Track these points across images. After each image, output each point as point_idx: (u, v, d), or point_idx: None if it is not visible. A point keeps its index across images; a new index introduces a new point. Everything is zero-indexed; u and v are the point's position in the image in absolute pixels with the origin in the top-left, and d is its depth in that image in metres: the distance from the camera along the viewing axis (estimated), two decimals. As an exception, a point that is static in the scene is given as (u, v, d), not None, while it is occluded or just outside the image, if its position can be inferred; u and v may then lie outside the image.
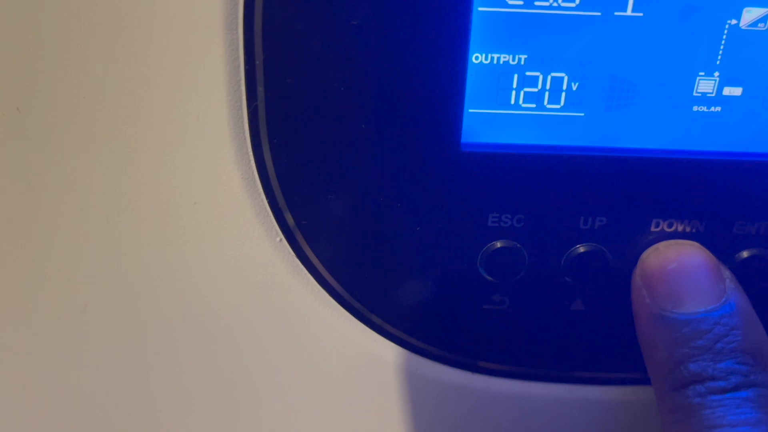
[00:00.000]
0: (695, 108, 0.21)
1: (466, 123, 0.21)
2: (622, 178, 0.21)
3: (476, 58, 0.20)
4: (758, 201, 0.22)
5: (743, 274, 0.22)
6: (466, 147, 0.21)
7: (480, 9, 0.19)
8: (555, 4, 0.19)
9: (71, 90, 0.20)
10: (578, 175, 0.21)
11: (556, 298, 0.23)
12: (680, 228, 0.22)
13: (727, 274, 0.21)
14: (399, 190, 0.21)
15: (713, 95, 0.21)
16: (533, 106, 0.21)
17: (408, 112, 0.20)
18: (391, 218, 0.22)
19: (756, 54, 0.20)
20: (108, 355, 0.25)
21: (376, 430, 0.26)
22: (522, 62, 0.20)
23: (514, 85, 0.21)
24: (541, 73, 0.21)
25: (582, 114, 0.21)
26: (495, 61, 0.20)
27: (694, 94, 0.21)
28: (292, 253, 0.23)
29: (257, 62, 0.20)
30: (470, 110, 0.21)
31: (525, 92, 0.21)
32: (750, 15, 0.20)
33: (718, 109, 0.21)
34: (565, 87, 0.21)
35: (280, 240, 0.22)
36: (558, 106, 0.21)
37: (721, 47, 0.20)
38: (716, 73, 0.20)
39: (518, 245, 0.22)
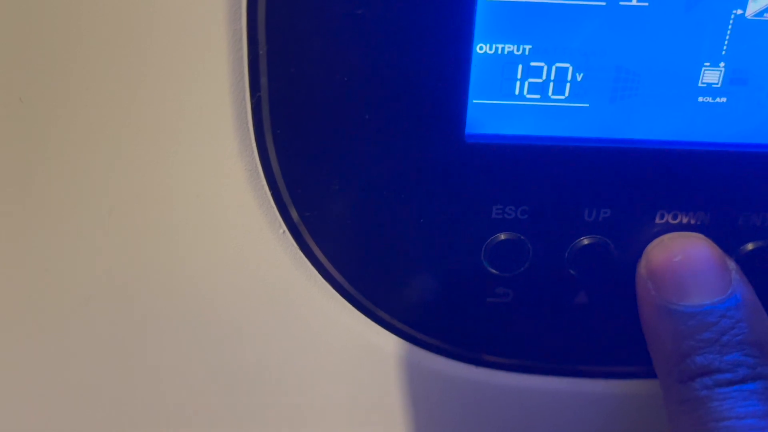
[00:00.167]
0: (700, 99, 0.21)
1: (471, 114, 0.21)
2: (627, 169, 0.21)
3: (480, 48, 0.20)
4: (764, 192, 0.22)
5: (748, 266, 0.22)
6: (471, 138, 0.21)
7: (484, -2, 0.19)
8: (560, -6, 0.19)
9: (74, 81, 0.20)
10: (582, 167, 0.21)
11: (560, 291, 0.23)
12: (685, 220, 0.22)
13: (732, 266, 0.21)
14: (403, 181, 0.21)
15: (718, 86, 0.21)
16: (538, 96, 0.21)
17: (412, 103, 0.20)
18: (394, 210, 0.22)
19: (762, 44, 0.20)
20: (109, 348, 0.25)
21: (379, 423, 0.26)
22: (526, 52, 0.20)
23: (519, 76, 0.21)
24: (546, 64, 0.20)
25: (587, 105, 0.21)
26: (499, 52, 0.20)
27: (700, 84, 0.21)
28: (295, 245, 0.22)
29: (261, 53, 0.20)
30: (474, 101, 0.21)
31: (529, 83, 0.21)
32: (756, 5, 0.20)
33: (724, 99, 0.21)
34: (569, 77, 0.21)
35: (284, 232, 0.22)
36: (562, 97, 0.21)
37: (727, 37, 0.20)
38: (722, 64, 0.20)
39: (522, 237, 0.22)
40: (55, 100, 0.21)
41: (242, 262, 0.23)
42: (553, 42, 0.20)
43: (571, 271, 0.23)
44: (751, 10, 0.20)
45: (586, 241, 0.22)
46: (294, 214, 0.22)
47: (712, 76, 0.21)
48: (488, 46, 0.20)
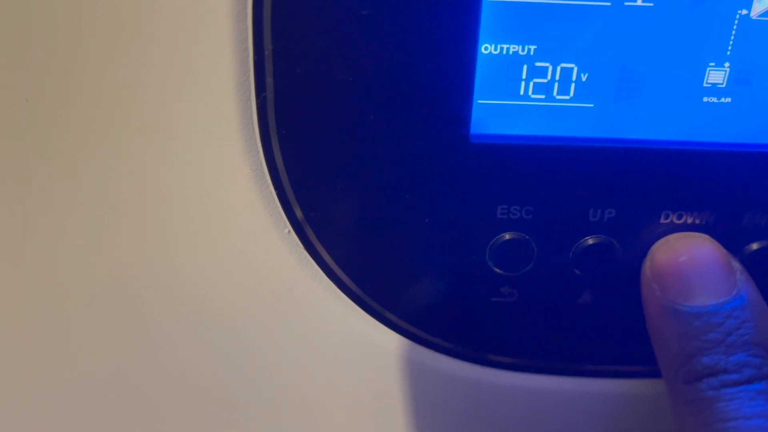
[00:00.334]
0: (705, 99, 0.21)
1: (476, 114, 0.21)
2: (632, 169, 0.21)
3: (485, 48, 0.20)
4: (769, 193, 0.22)
5: (753, 266, 0.22)
6: (475, 138, 0.21)
7: (489, -1, 0.19)
8: (565, -6, 0.19)
9: (79, 80, 0.20)
10: (587, 167, 0.21)
11: (565, 291, 0.23)
12: (690, 220, 0.22)
13: (737, 266, 0.21)
14: (407, 181, 0.21)
15: (723, 86, 0.21)
16: (542, 97, 0.21)
17: (417, 104, 0.20)
18: (399, 210, 0.22)
19: (766, 44, 0.20)
20: (113, 346, 0.25)
21: (383, 422, 0.26)
22: (531, 53, 0.20)
23: (524, 76, 0.21)
24: (551, 64, 0.20)
25: (591, 105, 0.21)
26: (504, 52, 0.20)
27: (704, 84, 0.21)
28: (300, 244, 0.22)
29: (266, 53, 0.20)
30: (479, 101, 0.21)
31: (534, 83, 0.21)
32: (761, 5, 0.20)
33: (729, 99, 0.21)
34: (574, 78, 0.21)
35: (289, 231, 0.22)
36: (567, 97, 0.21)
37: (732, 37, 0.20)
38: (726, 64, 0.20)
39: (527, 237, 0.22)
40: (59, 99, 0.21)
41: (247, 262, 0.23)
42: (557, 42, 0.20)
43: (576, 271, 0.23)
44: (756, 10, 0.20)
45: (590, 241, 0.22)
46: (299, 214, 0.22)
47: (717, 76, 0.21)
48: (493, 46, 0.20)
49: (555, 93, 0.21)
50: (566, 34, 0.20)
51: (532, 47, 0.20)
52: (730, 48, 0.20)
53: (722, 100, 0.21)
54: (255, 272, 0.23)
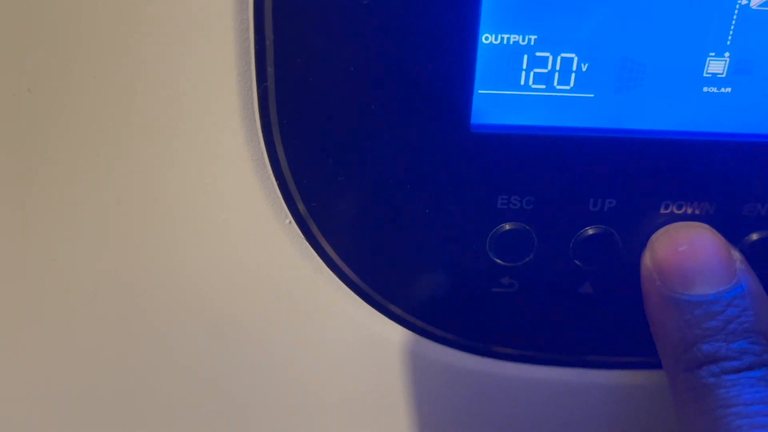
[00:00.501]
0: (705, 89, 0.21)
1: (476, 104, 0.21)
2: (632, 159, 0.21)
3: (486, 38, 0.20)
4: (768, 183, 0.22)
5: (753, 255, 0.22)
6: (476, 128, 0.21)
7: (490, -12, 0.19)
8: (565, -16, 0.19)
9: (81, 70, 0.20)
10: (588, 157, 0.21)
11: (565, 281, 0.23)
12: (690, 210, 0.22)
13: (737, 256, 0.21)
14: (408, 171, 0.21)
15: (723, 76, 0.21)
16: (543, 87, 0.21)
17: (418, 94, 0.20)
18: (399, 200, 0.22)
19: (766, 34, 0.20)
20: (116, 339, 0.25)
21: (384, 414, 0.26)
22: (532, 42, 0.20)
23: (524, 66, 0.21)
24: (551, 54, 0.20)
25: (592, 95, 0.21)
26: (505, 42, 0.20)
27: (704, 74, 0.21)
28: (301, 235, 0.22)
29: (267, 42, 0.20)
30: (480, 91, 0.21)
31: (535, 73, 0.21)
32: (760, -6, 0.20)
33: (729, 89, 0.21)
34: (575, 68, 0.21)
35: (290, 222, 0.22)
36: (568, 87, 0.21)
37: (732, 27, 0.20)
38: (726, 54, 0.20)
39: (527, 227, 0.22)
40: (61, 90, 0.21)
41: (248, 253, 0.23)
42: (558, 32, 0.20)
43: (576, 261, 0.23)
44: (756, 0, 0.20)
45: (591, 231, 0.22)
46: (300, 204, 0.22)
47: (717, 66, 0.21)
48: (494, 36, 0.20)
49: (555, 83, 0.21)
50: (567, 24, 0.20)
51: (533, 37, 0.20)
52: (730, 38, 0.20)
53: (722, 90, 0.21)
54: (256, 263, 0.23)
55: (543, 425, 0.26)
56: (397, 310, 0.24)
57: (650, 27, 0.20)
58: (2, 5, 0.20)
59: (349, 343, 0.25)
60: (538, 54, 0.21)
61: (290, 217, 0.22)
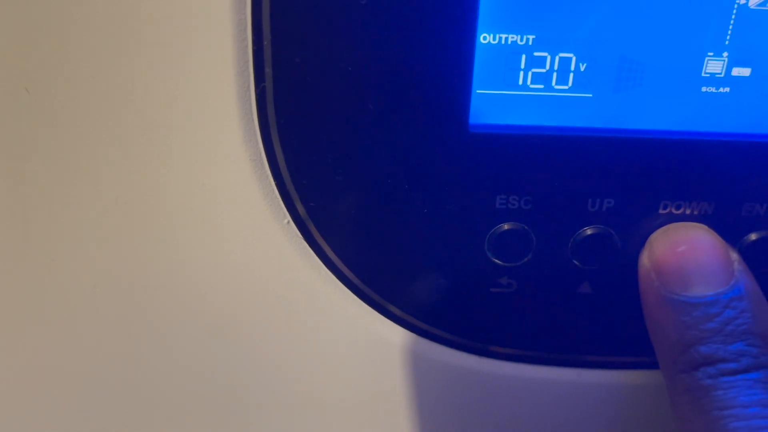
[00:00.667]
0: (704, 89, 0.21)
1: (474, 104, 0.21)
2: (631, 159, 0.21)
3: (484, 38, 0.20)
4: (767, 183, 0.22)
5: (752, 256, 0.22)
6: (474, 128, 0.21)
7: (488, -12, 0.19)
8: (563, -16, 0.19)
9: (79, 71, 0.20)
10: (586, 157, 0.21)
11: (564, 281, 0.23)
12: (688, 210, 0.22)
13: (735, 256, 0.21)
14: (406, 171, 0.21)
15: (722, 76, 0.21)
16: (541, 86, 0.21)
17: (416, 93, 0.20)
18: (398, 200, 0.22)
19: (765, 34, 0.20)
20: (114, 338, 0.25)
21: (383, 414, 0.26)
22: (530, 42, 0.20)
23: (522, 66, 0.21)
24: (549, 54, 0.20)
25: (590, 95, 0.21)
26: (503, 42, 0.20)
27: (703, 74, 0.21)
28: (300, 235, 0.23)
29: (265, 43, 0.20)
30: (478, 91, 0.21)
31: (533, 73, 0.21)
32: (759, -6, 0.20)
33: (727, 89, 0.21)
34: (573, 67, 0.21)
35: (288, 222, 0.22)
36: (566, 87, 0.21)
37: (730, 27, 0.20)
38: (725, 54, 0.20)
39: (526, 227, 0.22)
40: (59, 90, 0.21)
41: (246, 253, 0.23)
42: (556, 32, 0.20)
43: (575, 262, 0.23)
44: (754, 0, 0.20)
45: (589, 231, 0.22)
46: (298, 205, 0.22)
47: (715, 66, 0.21)
48: (492, 36, 0.20)
49: (554, 83, 0.21)
50: (565, 23, 0.20)
51: (531, 37, 0.20)
52: (728, 38, 0.20)
53: (721, 90, 0.21)
54: (255, 263, 0.23)
55: (542, 425, 0.26)
56: (396, 310, 0.24)
57: (648, 27, 0.20)
58: (6, 6, 0.20)
59: (348, 343, 0.25)
60: (536, 54, 0.20)
61: (288, 218, 0.22)
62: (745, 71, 0.21)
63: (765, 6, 0.20)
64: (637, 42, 0.20)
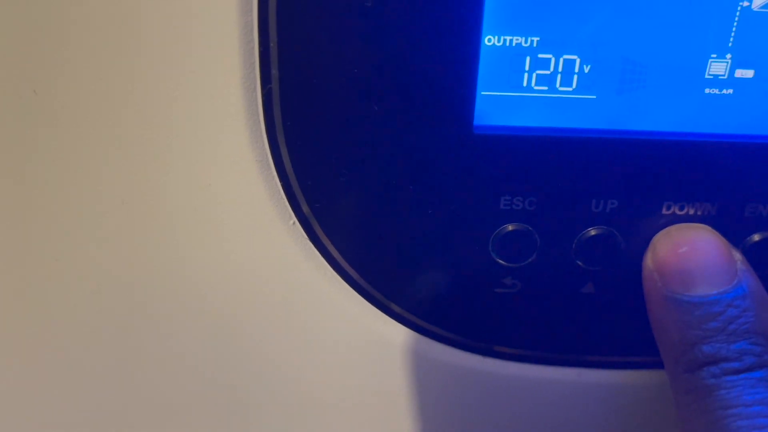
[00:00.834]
0: (707, 90, 0.21)
1: (479, 105, 0.21)
2: (634, 160, 0.21)
3: (489, 40, 0.20)
4: (770, 184, 0.22)
5: (755, 257, 0.22)
6: (479, 129, 0.21)
7: (493, -9, 0.20)
8: (567, -14, 0.20)
9: (86, 72, 0.21)
10: (590, 158, 0.21)
11: (568, 282, 0.23)
12: (692, 211, 0.22)
13: (738, 256, 0.21)
14: (411, 172, 0.22)
15: (725, 77, 0.21)
16: (545, 88, 0.21)
17: (421, 95, 0.20)
18: (403, 201, 0.22)
19: (768, 36, 0.20)
20: (117, 337, 0.25)
21: (387, 414, 0.26)
22: (534, 44, 0.20)
23: (527, 68, 0.21)
24: (553, 56, 0.21)
25: (594, 96, 0.21)
26: (507, 44, 0.20)
27: (706, 76, 0.21)
28: (305, 236, 0.23)
29: (271, 44, 0.20)
30: (483, 93, 0.21)
31: (537, 74, 0.21)
32: (762, -3, 0.20)
33: (730, 91, 0.21)
34: (577, 69, 0.21)
35: (293, 223, 0.23)
36: (570, 89, 0.21)
37: (733, 29, 0.20)
38: (728, 56, 0.21)
39: (530, 228, 0.22)
40: (66, 92, 0.21)
41: (252, 254, 0.23)
42: (560, 34, 0.20)
43: (578, 262, 0.23)
44: (758, 2, 0.20)
45: (593, 232, 0.22)
46: (304, 205, 0.22)
47: (718, 67, 0.21)
48: (496, 38, 0.20)
49: (558, 85, 0.21)
50: (569, 25, 0.20)
51: (535, 39, 0.20)
52: (731, 39, 0.20)
53: (724, 91, 0.21)
54: (260, 264, 0.23)
55: (546, 425, 0.26)
56: (401, 311, 0.24)
57: (652, 29, 0.20)
58: (10, 7, 0.20)
59: (353, 342, 0.25)
60: (540, 56, 0.21)
61: (294, 218, 0.22)
62: (749, 73, 0.21)
63: (768, 8, 0.20)
64: (641, 44, 0.20)
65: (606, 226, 0.22)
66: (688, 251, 0.21)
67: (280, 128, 0.21)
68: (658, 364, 0.22)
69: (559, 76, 0.21)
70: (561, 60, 0.21)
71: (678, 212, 0.22)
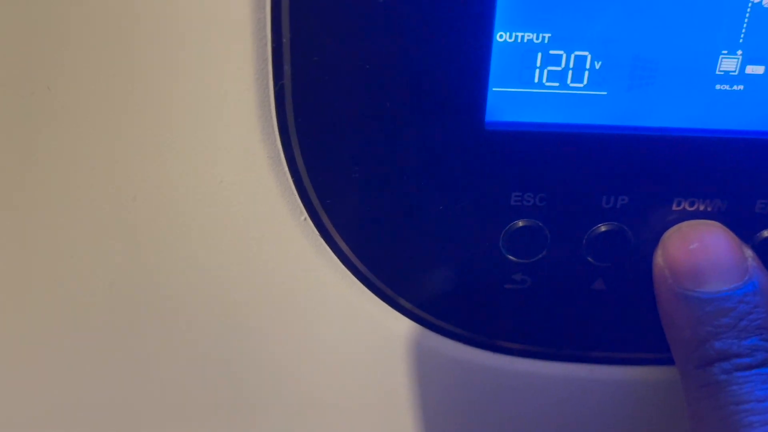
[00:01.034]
0: (718, 86, 0.21)
1: (491, 102, 0.21)
2: (645, 157, 0.22)
3: (500, 36, 0.20)
4: (781, 180, 0.22)
5: (765, 253, 0.22)
6: (490, 125, 0.21)
7: (505, -13, 0.20)
8: (579, -18, 0.20)
9: (100, 68, 0.21)
10: (601, 154, 0.21)
11: (578, 278, 0.23)
12: (702, 207, 0.22)
13: (749, 253, 0.21)
14: (423, 168, 0.22)
15: (736, 74, 0.21)
16: (556, 84, 0.21)
17: (433, 91, 0.21)
18: (414, 197, 0.22)
19: (779, 32, 0.20)
20: (126, 333, 0.26)
21: (395, 408, 0.26)
22: (546, 41, 0.20)
23: (538, 64, 0.21)
24: (565, 52, 0.21)
25: (605, 93, 0.21)
26: (519, 40, 0.20)
27: (717, 72, 0.21)
28: (316, 232, 0.23)
29: (284, 41, 0.20)
30: (494, 89, 0.21)
31: (548, 71, 0.21)
32: (773, -7, 0.20)
33: (741, 87, 0.21)
34: (588, 65, 0.21)
35: (305, 219, 0.23)
36: (581, 85, 0.21)
37: (744, 25, 0.20)
38: (739, 52, 0.21)
39: (540, 224, 0.22)
40: (80, 89, 0.21)
41: (263, 249, 0.23)
42: (572, 30, 0.20)
43: (589, 258, 0.23)
44: (769, -2, 0.20)
45: (603, 228, 0.23)
46: (315, 201, 0.22)
47: (729, 64, 0.21)
48: (508, 34, 0.20)
49: (569, 81, 0.21)
50: (580, 22, 0.20)
51: (547, 35, 0.20)
52: (742, 36, 0.20)
53: (735, 87, 0.21)
54: (271, 259, 0.23)
55: (555, 421, 0.26)
56: (410, 306, 0.24)
57: (663, 25, 0.20)
58: (26, 5, 0.20)
59: (362, 337, 0.25)
60: (551, 52, 0.21)
61: (305, 214, 0.23)
62: (759, 69, 0.21)
63: (779, 4, 0.20)
64: (652, 40, 0.20)
65: (616, 222, 0.22)
66: (699, 247, 0.21)
67: (292, 124, 0.21)
68: (669, 361, 0.22)
69: (570, 73, 0.21)
70: (572, 56, 0.21)
71: (688, 208, 0.22)
